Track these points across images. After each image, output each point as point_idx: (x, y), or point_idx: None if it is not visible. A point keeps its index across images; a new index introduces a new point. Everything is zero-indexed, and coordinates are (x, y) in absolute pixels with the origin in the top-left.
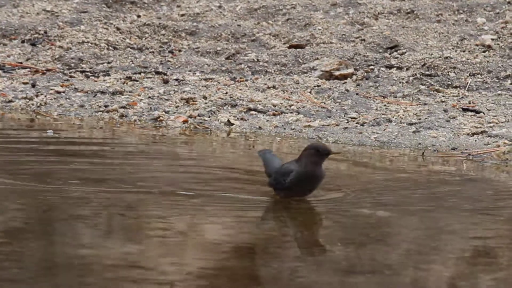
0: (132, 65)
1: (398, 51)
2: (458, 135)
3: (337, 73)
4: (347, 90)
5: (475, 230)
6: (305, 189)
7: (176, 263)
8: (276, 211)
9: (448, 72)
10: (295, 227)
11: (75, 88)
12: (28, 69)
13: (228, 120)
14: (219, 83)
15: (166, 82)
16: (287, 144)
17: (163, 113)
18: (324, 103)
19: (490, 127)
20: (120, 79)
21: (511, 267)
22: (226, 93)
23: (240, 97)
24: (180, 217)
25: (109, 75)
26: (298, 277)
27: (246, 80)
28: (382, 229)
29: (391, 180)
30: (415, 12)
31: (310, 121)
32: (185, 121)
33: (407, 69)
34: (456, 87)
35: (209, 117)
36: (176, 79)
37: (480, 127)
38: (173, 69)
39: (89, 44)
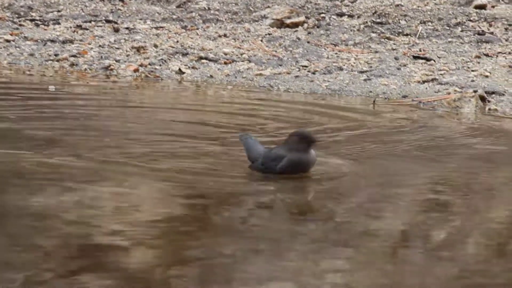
0: (82, 13)
1: None
2: (409, 83)
3: (288, 21)
4: (298, 38)
5: (425, 177)
6: (297, 173)
7: (127, 211)
8: (229, 163)
9: (399, 19)
10: (248, 178)
11: (25, 36)
12: None
13: (179, 69)
14: (170, 31)
15: (116, 30)
16: (239, 94)
17: (114, 62)
18: (276, 51)
19: (441, 74)
20: (70, 27)
21: (461, 214)
22: (177, 41)
23: (191, 45)
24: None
25: (59, 23)
26: (250, 225)
27: (197, 29)
28: (333, 177)
29: (342, 129)
30: None
31: (262, 70)
32: (136, 70)
33: (358, 17)
34: (407, 34)
35: (160, 65)
36: (127, 28)
37: (431, 75)
38: (124, 18)
39: None
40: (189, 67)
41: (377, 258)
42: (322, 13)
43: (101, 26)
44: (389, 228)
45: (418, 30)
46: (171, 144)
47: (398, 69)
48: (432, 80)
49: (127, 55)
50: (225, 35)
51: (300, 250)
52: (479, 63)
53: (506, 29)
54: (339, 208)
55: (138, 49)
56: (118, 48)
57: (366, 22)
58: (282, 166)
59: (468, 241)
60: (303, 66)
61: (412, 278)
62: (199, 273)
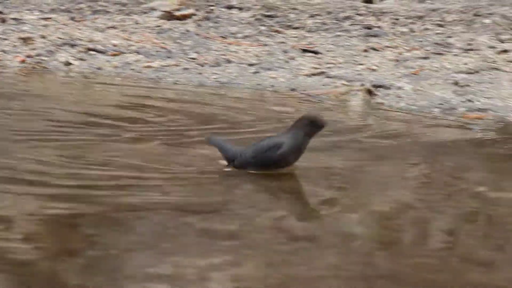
0: None
1: None
2: (297, 76)
3: (177, 13)
4: (188, 31)
5: (311, 169)
6: (290, 163)
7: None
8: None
9: (288, 13)
10: (135, 169)
11: None
12: None
13: (67, 60)
14: (58, 22)
15: (3, 21)
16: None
17: (1, 52)
18: (164, 43)
19: (329, 68)
20: None
21: (346, 206)
22: (65, 33)
23: (80, 37)
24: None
25: None
26: (136, 217)
27: (86, 20)
28: (223, 171)
29: (230, 121)
30: None
31: (150, 62)
32: (23, 61)
33: (247, 10)
34: (296, 28)
35: (48, 57)
36: (14, 18)
37: (319, 68)
38: (11, 8)
39: None
40: (77, 58)
41: (264, 250)
42: (212, 5)
43: None
44: (275, 221)
45: (307, 24)
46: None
47: (287, 62)
48: (320, 73)
49: (14, 46)
50: (114, 27)
51: (185, 243)
52: (366, 57)
53: (393, 23)
54: (227, 201)
55: (25, 40)
56: (5, 39)
57: (256, 15)
58: (283, 152)
59: (352, 233)
60: (192, 58)
61: (298, 269)
62: (82, 266)
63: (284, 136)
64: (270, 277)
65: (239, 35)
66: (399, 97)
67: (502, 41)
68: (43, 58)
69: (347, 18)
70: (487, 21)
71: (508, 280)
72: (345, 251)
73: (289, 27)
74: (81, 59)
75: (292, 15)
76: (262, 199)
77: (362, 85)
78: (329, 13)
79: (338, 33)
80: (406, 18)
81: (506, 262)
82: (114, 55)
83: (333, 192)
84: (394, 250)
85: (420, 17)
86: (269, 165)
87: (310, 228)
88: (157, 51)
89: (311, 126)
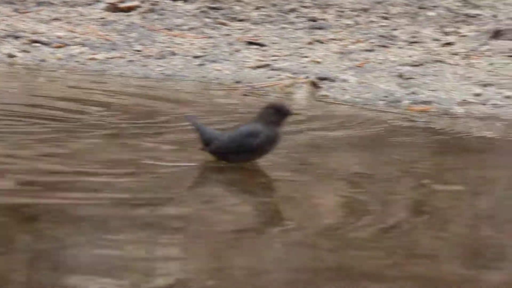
0: None
1: None
2: (242, 68)
3: (122, 5)
4: (133, 23)
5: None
6: (266, 151)
7: None
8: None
9: (233, 5)
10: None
11: None
12: None
13: (11, 53)
14: (1, 14)
15: None
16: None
17: None
18: (109, 35)
19: (274, 60)
20: None
21: (289, 199)
22: (9, 24)
23: (24, 29)
24: None
25: None
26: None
27: (30, 12)
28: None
29: (172, 114)
30: None
31: (95, 54)
32: None
33: (192, 2)
34: (241, 20)
35: None
36: None
37: (264, 61)
38: None
39: None
40: (21, 50)
41: (209, 242)
42: None
43: None
44: (221, 213)
45: (251, 16)
46: None
47: (232, 54)
48: (265, 66)
49: None
50: (58, 19)
51: (130, 237)
52: (311, 49)
53: (338, 16)
54: (174, 195)
55: None
56: None
57: (201, 7)
58: (260, 142)
59: (297, 225)
60: (136, 50)
61: (243, 261)
62: (25, 261)
63: (257, 125)
64: (214, 269)
65: (184, 27)
66: (344, 89)
67: (446, 34)
68: None
69: (292, 10)
70: (431, 13)
71: (451, 272)
72: (290, 242)
73: (234, 19)
74: (25, 51)
75: (237, 7)
76: (208, 191)
77: (307, 77)
78: (274, 5)
79: (283, 26)
80: (351, 11)
81: (449, 255)
82: (59, 47)
83: (278, 184)
84: (339, 242)
85: (365, 10)
86: (247, 151)
87: (255, 220)
88: (101, 43)
89: (277, 114)
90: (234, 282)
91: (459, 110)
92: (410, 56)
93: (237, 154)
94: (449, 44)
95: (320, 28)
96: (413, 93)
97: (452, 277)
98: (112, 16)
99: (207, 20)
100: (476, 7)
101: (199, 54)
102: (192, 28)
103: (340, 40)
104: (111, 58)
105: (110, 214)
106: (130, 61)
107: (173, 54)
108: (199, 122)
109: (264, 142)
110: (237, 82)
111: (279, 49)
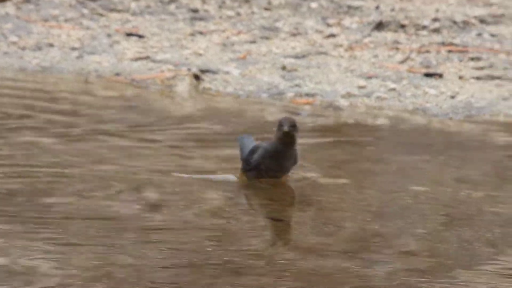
0: None
1: None
2: (122, 60)
3: None
4: (8, 14)
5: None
6: (274, 169)
7: None
8: None
9: None
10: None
11: None
12: None
13: None
14: None
15: None
16: None
17: None
18: None
19: (154, 52)
20: None
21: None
22: None
23: None
24: None
25: None
26: None
27: None
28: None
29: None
30: None
31: None
32: None
33: None
34: (119, 11)
35: None
36: None
37: (144, 52)
38: None
39: None
40: None
41: (91, 240)
42: None
43: None
44: (103, 207)
45: (130, 7)
46: None
47: (111, 46)
48: (145, 57)
49: None
50: None
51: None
52: (193, 41)
53: (219, 6)
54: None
55: None
56: None
57: None
58: (256, 158)
59: (186, 223)
60: (12, 42)
61: (125, 258)
62: None
63: (266, 142)
64: (99, 269)
65: (61, 18)
66: (227, 82)
67: (329, 25)
68: None
69: (172, 1)
70: (314, 5)
71: (335, 267)
72: (178, 240)
73: (113, 10)
74: None
75: None
76: (88, 189)
77: (189, 70)
78: None
79: (163, 17)
80: (232, 2)
81: (335, 250)
82: None
83: (159, 177)
84: (224, 240)
85: (246, 1)
86: (252, 169)
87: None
88: None
89: (277, 129)
90: None
91: (343, 102)
92: (293, 48)
93: (249, 171)
94: (332, 35)
95: (201, 19)
96: (296, 85)
97: (336, 273)
98: None
99: (85, 11)
100: None
101: (76, 46)
102: (69, 19)
103: (222, 31)
104: None
105: None
106: (5, 52)
107: (50, 45)
108: (246, 140)
109: (260, 158)
110: (117, 74)
111: (159, 41)
